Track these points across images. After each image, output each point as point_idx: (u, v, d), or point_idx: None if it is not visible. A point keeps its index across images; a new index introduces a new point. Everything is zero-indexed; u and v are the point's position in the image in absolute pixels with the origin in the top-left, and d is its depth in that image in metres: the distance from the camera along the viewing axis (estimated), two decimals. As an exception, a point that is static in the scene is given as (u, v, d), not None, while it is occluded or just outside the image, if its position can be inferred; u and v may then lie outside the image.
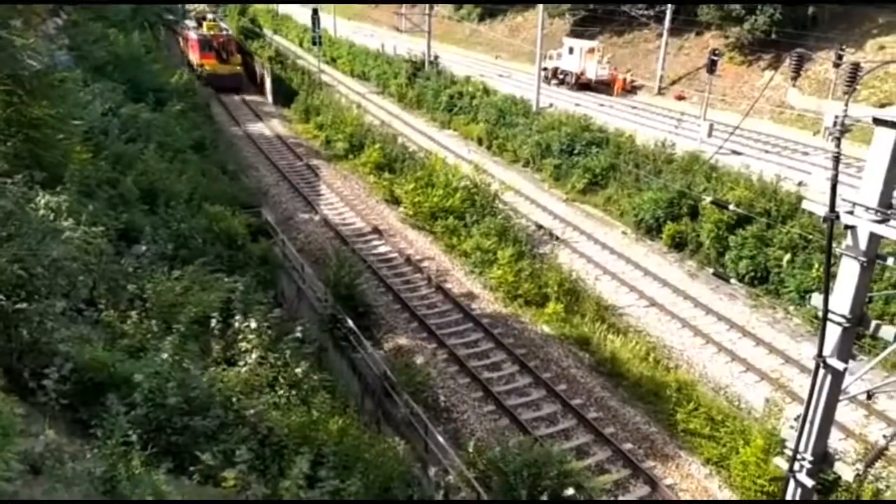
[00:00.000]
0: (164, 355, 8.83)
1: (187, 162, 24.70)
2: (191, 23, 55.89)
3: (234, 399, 9.19)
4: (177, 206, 17.69)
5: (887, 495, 13.25)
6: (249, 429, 8.79)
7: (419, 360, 18.84)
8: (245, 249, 18.66)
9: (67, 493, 5.74)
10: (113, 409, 7.21)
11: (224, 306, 12.38)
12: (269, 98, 52.41)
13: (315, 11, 55.39)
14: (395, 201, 30.87)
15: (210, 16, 56.65)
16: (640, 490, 15.11)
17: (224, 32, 54.32)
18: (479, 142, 40.70)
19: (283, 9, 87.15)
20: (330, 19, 68.65)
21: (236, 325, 11.64)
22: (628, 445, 16.29)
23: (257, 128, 44.07)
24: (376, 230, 28.27)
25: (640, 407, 17.84)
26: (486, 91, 43.88)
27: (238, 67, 53.62)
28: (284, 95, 49.83)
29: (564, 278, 23.13)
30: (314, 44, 57.21)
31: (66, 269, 8.71)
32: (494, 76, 51.28)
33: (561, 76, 49.93)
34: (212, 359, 10.92)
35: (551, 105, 41.02)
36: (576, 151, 33.67)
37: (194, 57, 53.49)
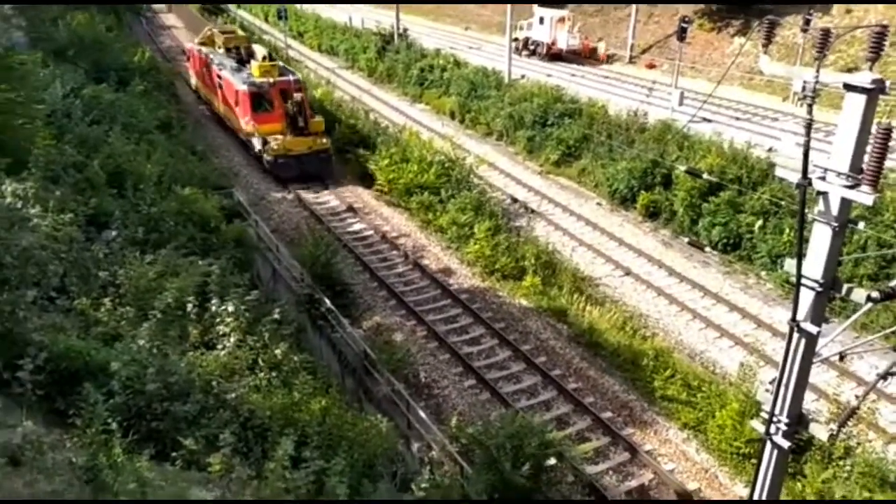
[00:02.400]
0: (142, 341, 8.76)
1: (154, 143, 24.14)
2: (218, 56, 35.18)
3: (214, 383, 9.18)
4: (146, 189, 17.31)
5: (858, 452, 13.65)
6: (231, 412, 8.78)
7: (399, 337, 18.87)
8: (218, 231, 18.39)
9: (49, 483, 5.69)
10: (91, 397, 7.14)
11: (200, 290, 12.26)
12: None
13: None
14: (368, 178, 30.63)
15: (261, 50, 32.86)
16: (620, 457, 15.40)
17: (291, 78, 31.22)
18: (452, 115, 40.39)
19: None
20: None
21: (213, 308, 11.55)
22: (608, 414, 16.56)
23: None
24: (351, 208, 28.06)
25: (619, 376, 18.11)
26: (457, 63, 43.45)
27: (324, 140, 30.41)
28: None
29: (541, 251, 23.24)
30: (280, 18, 55.99)
31: (36, 258, 8.56)
32: (465, 48, 50.82)
33: (532, 47, 49.62)
34: (190, 343, 10.84)
35: (523, 76, 40.80)
36: (549, 123, 33.60)
37: (241, 119, 31.32)
